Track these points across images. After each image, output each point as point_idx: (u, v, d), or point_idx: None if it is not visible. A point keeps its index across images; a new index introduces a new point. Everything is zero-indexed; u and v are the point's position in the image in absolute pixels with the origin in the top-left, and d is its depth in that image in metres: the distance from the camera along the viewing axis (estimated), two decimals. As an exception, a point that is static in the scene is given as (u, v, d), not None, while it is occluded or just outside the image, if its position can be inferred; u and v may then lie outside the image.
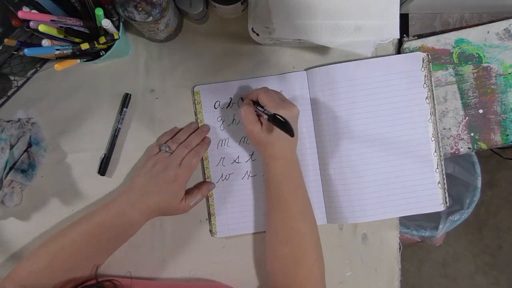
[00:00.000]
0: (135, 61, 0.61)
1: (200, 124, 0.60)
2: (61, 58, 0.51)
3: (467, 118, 0.61)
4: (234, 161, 0.61)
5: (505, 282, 1.47)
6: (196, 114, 0.61)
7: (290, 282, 0.52)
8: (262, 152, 0.55)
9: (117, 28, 0.51)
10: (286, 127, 0.46)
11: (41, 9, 0.47)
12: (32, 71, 0.60)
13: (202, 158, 0.60)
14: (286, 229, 0.53)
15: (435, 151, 0.59)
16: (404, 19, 0.62)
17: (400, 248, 0.62)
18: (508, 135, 0.61)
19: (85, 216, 0.54)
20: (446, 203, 0.59)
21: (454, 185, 1.05)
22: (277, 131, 0.49)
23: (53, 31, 0.46)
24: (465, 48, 0.61)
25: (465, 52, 0.61)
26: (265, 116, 0.49)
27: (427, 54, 0.59)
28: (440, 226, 0.97)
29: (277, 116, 0.48)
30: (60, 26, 0.48)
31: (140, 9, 0.47)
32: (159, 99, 0.61)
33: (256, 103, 0.54)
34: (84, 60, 0.52)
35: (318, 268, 0.53)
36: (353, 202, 0.59)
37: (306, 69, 0.60)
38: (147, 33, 0.56)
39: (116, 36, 0.49)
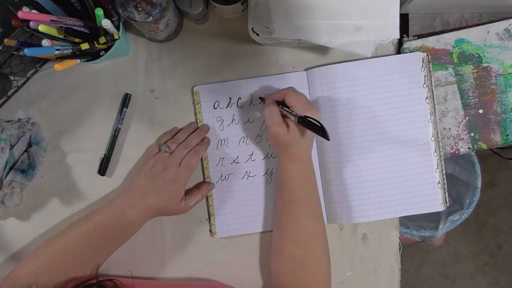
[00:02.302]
0: (135, 61, 0.61)
1: (199, 124, 0.60)
2: (61, 58, 0.51)
3: (467, 118, 0.61)
4: (234, 161, 0.61)
5: (505, 282, 1.47)
6: (195, 114, 0.61)
7: (298, 283, 0.52)
8: (280, 153, 0.54)
9: (117, 28, 0.51)
10: (321, 130, 0.45)
11: (41, 9, 0.47)
12: (32, 71, 0.60)
13: (202, 158, 0.60)
14: (299, 231, 0.53)
15: (435, 151, 0.59)
16: (404, 19, 0.62)
17: (400, 248, 0.62)
18: (508, 135, 0.61)
19: (85, 216, 0.54)
20: (446, 203, 0.59)
21: (454, 185, 1.05)
22: (301, 133, 0.48)
23: (53, 31, 0.46)
24: (465, 48, 0.61)
25: (465, 52, 0.61)
26: (293, 118, 0.48)
27: (427, 54, 0.59)
28: (440, 226, 0.97)
29: (310, 119, 0.46)
30: (60, 26, 0.48)
31: (140, 9, 0.47)
32: (159, 99, 0.61)
33: (280, 103, 0.52)
34: (84, 60, 0.52)
35: (326, 271, 0.53)
36: (353, 202, 0.59)
37: (306, 69, 0.60)
38: (147, 33, 0.56)
39: (116, 36, 0.49)
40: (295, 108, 0.49)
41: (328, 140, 0.45)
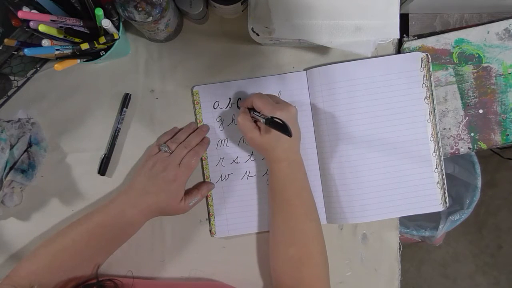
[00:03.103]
0: (135, 61, 0.61)
1: (199, 124, 0.60)
2: (61, 58, 0.51)
3: (467, 118, 0.61)
4: (234, 161, 0.61)
5: (505, 282, 1.47)
6: (195, 114, 0.61)
7: (296, 283, 0.52)
8: (265, 156, 0.55)
9: (117, 28, 0.51)
10: (284, 128, 0.46)
11: (41, 9, 0.47)
12: (32, 71, 0.60)
13: (202, 158, 0.60)
14: (291, 230, 0.53)
15: (434, 151, 0.59)
16: (404, 19, 0.62)
17: (400, 248, 0.62)
18: (508, 135, 0.61)
19: (85, 216, 0.54)
20: (446, 203, 0.59)
21: (454, 185, 1.05)
22: (277, 134, 0.49)
23: (53, 31, 0.46)
24: (465, 48, 0.61)
25: (465, 52, 0.61)
26: (262, 120, 0.49)
27: (426, 54, 0.59)
28: (440, 226, 0.97)
29: (274, 118, 0.48)
30: (60, 26, 0.48)
31: (140, 9, 0.47)
32: (159, 99, 0.61)
33: (252, 109, 0.54)
34: (84, 60, 0.52)
35: (324, 269, 0.53)
36: (353, 202, 0.59)
37: (305, 69, 0.60)
38: (147, 33, 0.56)
39: (116, 36, 0.49)
40: (263, 111, 0.51)
41: (290, 136, 0.46)
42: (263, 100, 0.52)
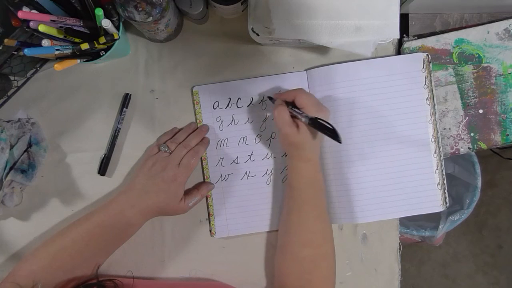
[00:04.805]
0: (135, 61, 0.61)
1: (199, 124, 0.60)
2: (61, 58, 0.51)
3: (467, 118, 0.61)
4: (233, 161, 0.60)
5: (505, 282, 1.47)
6: (195, 114, 0.61)
7: (305, 284, 0.51)
8: (291, 153, 0.54)
9: (117, 28, 0.51)
10: (333, 133, 0.45)
11: (41, 9, 0.47)
12: (32, 71, 0.60)
13: (201, 158, 0.60)
14: (308, 231, 0.53)
15: (435, 152, 0.59)
16: (404, 19, 0.62)
17: (400, 248, 0.62)
18: (508, 135, 0.61)
19: (84, 216, 0.54)
20: (446, 204, 0.59)
21: (454, 185, 1.05)
22: (313, 134, 0.48)
23: (53, 31, 0.46)
24: (465, 48, 0.61)
25: (465, 52, 0.61)
26: (304, 119, 0.48)
27: (427, 55, 0.58)
28: (440, 226, 0.97)
29: (321, 121, 0.46)
30: (60, 26, 0.48)
31: (140, 9, 0.47)
32: (159, 99, 0.61)
33: (290, 104, 0.52)
34: (84, 60, 0.52)
35: (333, 273, 0.53)
36: (353, 203, 0.59)
37: (306, 69, 0.60)
38: (147, 33, 0.56)
39: (116, 36, 0.49)
40: (306, 110, 0.50)
41: (340, 143, 0.45)
42: (309, 98, 0.50)
